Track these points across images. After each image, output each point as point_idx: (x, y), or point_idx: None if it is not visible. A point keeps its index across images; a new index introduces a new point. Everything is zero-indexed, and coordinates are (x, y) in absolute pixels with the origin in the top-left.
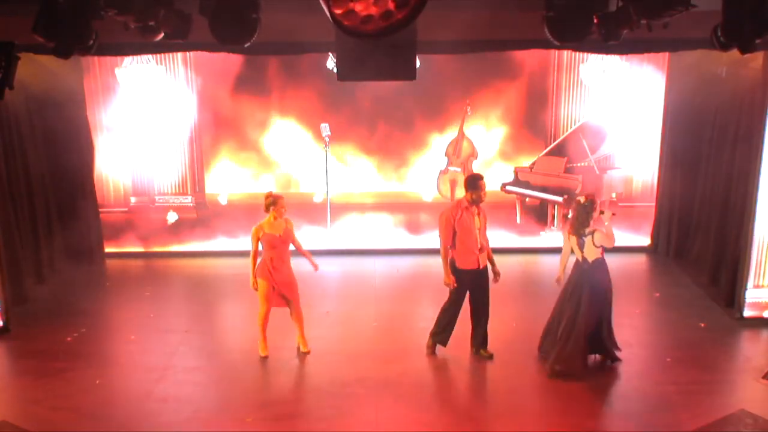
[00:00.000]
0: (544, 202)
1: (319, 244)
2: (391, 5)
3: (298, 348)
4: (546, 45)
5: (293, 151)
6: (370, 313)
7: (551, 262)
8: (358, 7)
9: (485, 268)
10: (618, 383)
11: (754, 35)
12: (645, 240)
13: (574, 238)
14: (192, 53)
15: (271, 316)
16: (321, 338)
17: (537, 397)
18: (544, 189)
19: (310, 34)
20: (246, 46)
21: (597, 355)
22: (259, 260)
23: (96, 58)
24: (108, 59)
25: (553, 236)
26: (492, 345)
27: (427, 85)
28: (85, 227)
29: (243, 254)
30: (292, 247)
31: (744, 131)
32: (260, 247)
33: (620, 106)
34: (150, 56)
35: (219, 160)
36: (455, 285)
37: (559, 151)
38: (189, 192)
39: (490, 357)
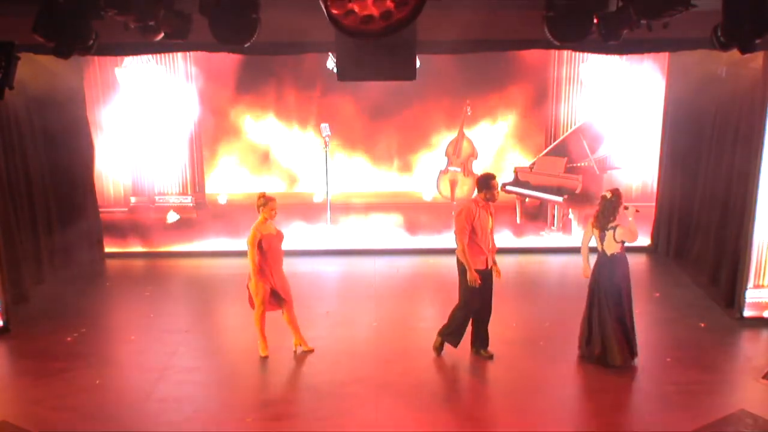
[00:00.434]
0: (544, 202)
1: (319, 244)
2: (390, 5)
3: (295, 351)
4: (546, 45)
5: (293, 151)
6: (370, 313)
7: (551, 262)
8: (357, 7)
9: (491, 269)
10: (618, 383)
11: (754, 35)
12: (645, 240)
13: (596, 231)
14: (192, 53)
15: (271, 316)
16: (321, 338)
17: (537, 397)
18: (544, 189)
19: (310, 34)
20: (246, 46)
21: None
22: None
23: (96, 58)
24: (108, 59)
25: (553, 236)
26: (492, 345)
27: (427, 85)
28: (85, 227)
29: (243, 254)
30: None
31: (744, 131)
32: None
33: (620, 106)
34: (150, 56)
35: (219, 159)
36: (479, 283)
37: (559, 151)
38: (189, 192)
39: (490, 357)
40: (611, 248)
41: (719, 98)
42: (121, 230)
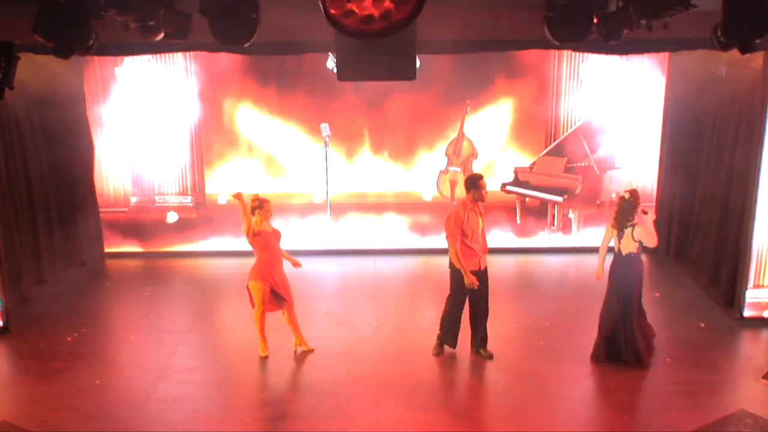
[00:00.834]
0: (544, 202)
1: (319, 244)
2: (390, 5)
3: (296, 351)
4: (546, 45)
5: (293, 151)
6: (370, 313)
7: (551, 262)
8: (357, 8)
9: (485, 269)
10: (618, 383)
11: (754, 35)
12: None
13: (615, 231)
14: (192, 53)
15: (271, 316)
16: (321, 338)
17: (537, 397)
18: (544, 189)
19: (310, 34)
20: (246, 46)
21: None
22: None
23: (96, 58)
24: (108, 59)
25: (553, 236)
26: (492, 345)
27: (427, 85)
28: (85, 227)
29: (243, 254)
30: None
31: (744, 131)
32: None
33: (620, 106)
34: (150, 56)
35: (219, 160)
36: (477, 285)
37: (559, 151)
38: (189, 192)
39: (490, 357)
40: (628, 248)
41: (719, 98)
42: (121, 230)
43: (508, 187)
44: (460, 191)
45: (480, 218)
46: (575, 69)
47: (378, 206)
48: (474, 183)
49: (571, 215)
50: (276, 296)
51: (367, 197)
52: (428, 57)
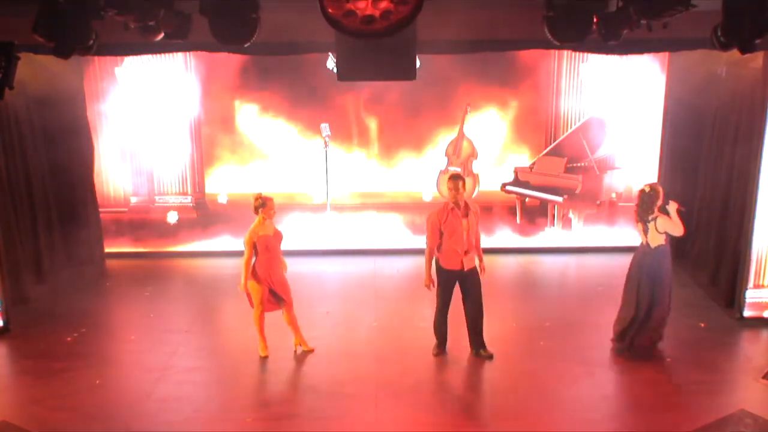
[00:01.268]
0: (544, 202)
1: (319, 244)
2: (390, 5)
3: (296, 351)
4: (546, 45)
5: (293, 151)
6: (370, 313)
7: (551, 262)
8: (356, 8)
9: (472, 269)
10: (618, 383)
11: (754, 35)
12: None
13: (640, 225)
14: (192, 53)
15: (271, 316)
16: (321, 338)
17: (537, 397)
18: (544, 189)
19: (310, 34)
20: (246, 46)
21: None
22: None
23: (96, 58)
24: (108, 59)
25: (554, 236)
26: (492, 345)
27: (427, 85)
28: (85, 227)
29: (243, 254)
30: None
31: (744, 131)
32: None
33: (620, 106)
34: (150, 56)
35: (219, 159)
36: (434, 286)
37: (559, 151)
38: (189, 192)
39: (490, 357)
40: (656, 240)
41: (719, 98)
42: (121, 230)
43: (508, 187)
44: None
45: (465, 219)
46: (575, 69)
47: (378, 206)
48: (449, 184)
49: (571, 215)
50: (275, 296)
51: (367, 197)
52: (428, 57)
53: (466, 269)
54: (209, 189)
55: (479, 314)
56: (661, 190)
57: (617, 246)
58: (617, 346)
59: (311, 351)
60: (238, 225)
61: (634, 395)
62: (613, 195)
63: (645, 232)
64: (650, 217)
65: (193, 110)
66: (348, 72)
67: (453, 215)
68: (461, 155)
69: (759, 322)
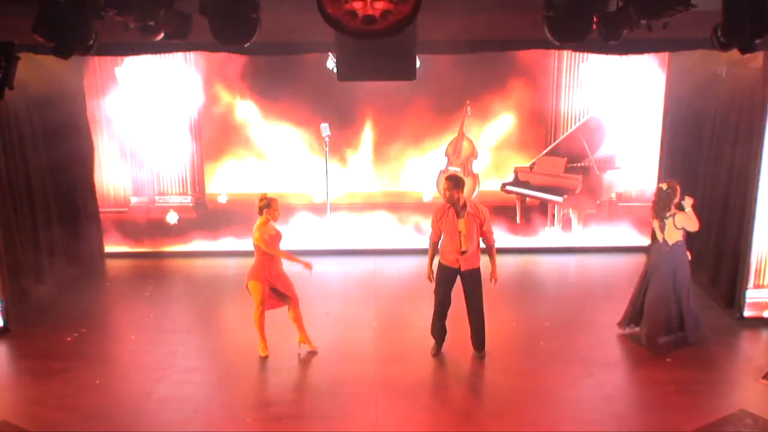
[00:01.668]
0: (544, 202)
1: (319, 244)
2: (389, 5)
3: (300, 347)
4: (546, 45)
5: (293, 151)
6: (370, 313)
7: (551, 262)
8: (357, 8)
9: (471, 270)
10: (618, 383)
11: (754, 35)
12: (645, 240)
13: (656, 222)
14: (192, 53)
15: (271, 316)
16: (321, 338)
17: (537, 397)
18: (544, 189)
19: (310, 34)
20: (246, 46)
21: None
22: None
23: (96, 58)
24: (108, 59)
25: (554, 236)
26: (492, 345)
27: (427, 85)
28: (85, 227)
29: (243, 254)
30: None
31: (744, 131)
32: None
33: (620, 106)
34: (150, 56)
35: (219, 159)
36: (432, 280)
37: (559, 151)
38: (189, 192)
39: (482, 357)
40: (673, 237)
41: (719, 98)
42: (121, 230)
43: (508, 187)
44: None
45: (462, 220)
46: (575, 69)
47: (378, 206)
48: (443, 183)
49: (571, 215)
50: (277, 293)
51: (367, 197)
52: (428, 57)
53: (462, 269)
54: (209, 189)
55: (477, 317)
56: (678, 187)
57: (617, 246)
58: (655, 350)
59: (315, 351)
60: (239, 225)
61: (634, 395)
62: (613, 195)
63: (662, 229)
64: (668, 214)
65: (193, 110)
66: (348, 72)
67: (449, 215)
68: (461, 155)
69: (759, 322)
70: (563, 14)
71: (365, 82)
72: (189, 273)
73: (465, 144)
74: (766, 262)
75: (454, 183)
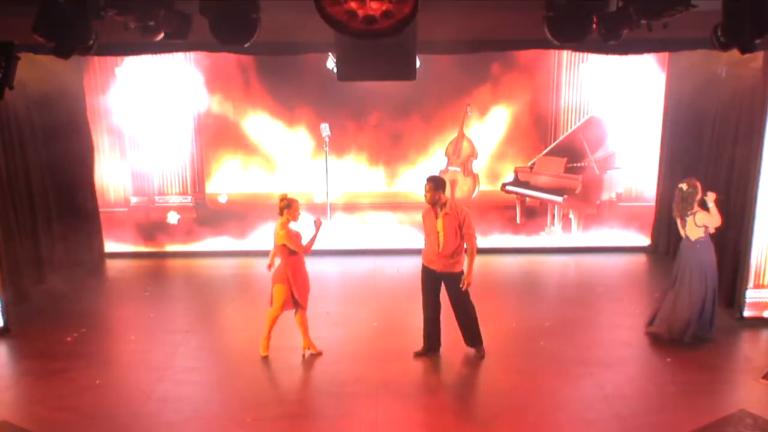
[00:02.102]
0: (544, 202)
1: (319, 244)
2: (388, 5)
3: (304, 354)
4: (546, 45)
5: (293, 151)
6: (370, 313)
7: (551, 262)
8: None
9: (451, 273)
10: (618, 383)
11: (754, 35)
12: (645, 240)
13: (678, 220)
14: (192, 53)
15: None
16: (321, 338)
17: (537, 397)
18: (544, 189)
19: (310, 34)
20: (246, 46)
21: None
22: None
23: (96, 58)
24: (108, 59)
25: (554, 236)
26: (492, 345)
27: (427, 85)
28: (85, 227)
29: (243, 254)
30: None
31: (744, 131)
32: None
33: (620, 106)
34: (150, 56)
35: (219, 160)
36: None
37: (559, 151)
38: (189, 192)
39: (482, 357)
40: (695, 234)
41: (719, 98)
42: (121, 230)
43: (508, 187)
44: (460, 191)
45: (441, 220)
46: (575, 69)
47: (378, 206)
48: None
49: (571, 215)
50: (293, 297)
51: (367, 197)
52: (428, 57)
53: (438, 271)
54: (209, 189)
55: (463, 317)
56: (699, 184)
57: (617, 246)
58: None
59: (320, 354)
60: (239, 225)
61: (634, 395)
62: (613, 195)
63: (683, 226)
64: (689, 212)
65: (193, 110)
66: (348, 72)
67: (431, 215)
68: (461, 155)
69: (759, 322)
70: (563, 14)
71: (365, 82)
72: (189, 273)
73: (465, 144)
74: (766, 262)
75: (435, 184)
